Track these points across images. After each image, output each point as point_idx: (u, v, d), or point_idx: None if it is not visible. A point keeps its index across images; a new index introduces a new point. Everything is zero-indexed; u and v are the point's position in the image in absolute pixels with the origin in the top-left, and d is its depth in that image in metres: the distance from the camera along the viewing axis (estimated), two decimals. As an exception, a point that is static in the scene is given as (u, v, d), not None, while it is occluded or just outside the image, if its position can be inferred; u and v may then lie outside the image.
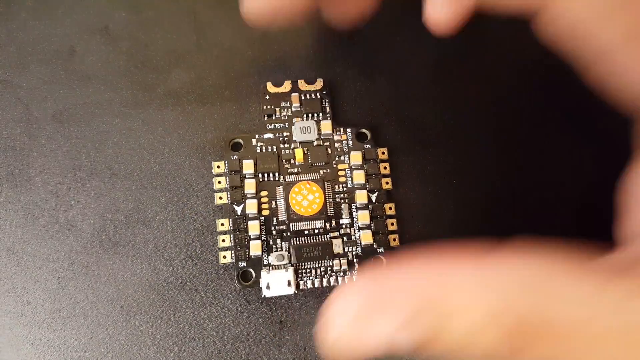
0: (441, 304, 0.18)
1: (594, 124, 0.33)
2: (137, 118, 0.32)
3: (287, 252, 0.30)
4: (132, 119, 0.32)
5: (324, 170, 0.31)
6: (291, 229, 0.30)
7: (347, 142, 0.32)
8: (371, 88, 0.34)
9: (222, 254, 0.30)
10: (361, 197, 0.31)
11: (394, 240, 0.30)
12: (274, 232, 0.30)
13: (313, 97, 0.33)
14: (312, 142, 0.32)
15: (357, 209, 0.31)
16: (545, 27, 0.26)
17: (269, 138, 0.32)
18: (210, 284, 0.30)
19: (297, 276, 0.30)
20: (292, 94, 0.33)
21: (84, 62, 0.33)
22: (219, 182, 0.31)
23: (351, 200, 0.31)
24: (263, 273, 0.29)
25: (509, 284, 0.19)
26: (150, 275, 0.30)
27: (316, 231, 0.30)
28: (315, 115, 0.32)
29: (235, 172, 0.31)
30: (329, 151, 0.32)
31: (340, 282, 0.30)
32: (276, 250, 0.30)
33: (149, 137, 0.32)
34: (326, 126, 0.32)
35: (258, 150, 0.31)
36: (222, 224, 0.30)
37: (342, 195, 0.31)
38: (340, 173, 0.31)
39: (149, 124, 0.32)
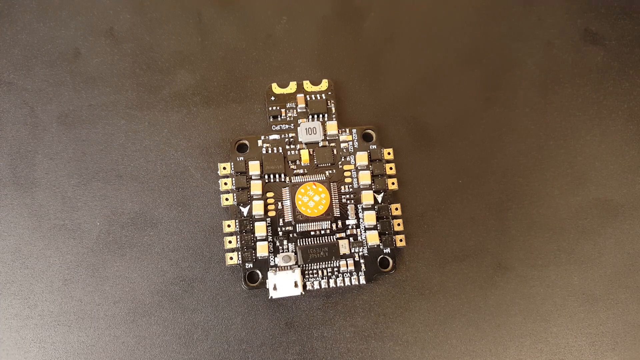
0: None
1: (595, 124, 0.33)
2: (142, 120, 0.32)
3: (293, 253, 0.30)
4: (137, 120, 0.32)
5: (330, 171, 0.31)
6: (297, 230, 0.30)
7: (353, 143, 0.32)
8: (376, 89, 0.34)
9: (228, 255, 0.30)
10: (367, 197, 0.31)
11: (400, 240, 0.30)
12: (280, 233, 0.30)
13: (318, 98, 0.33)
14: (317, 143, 0.32)
15: (363, 209, 0.31)
16: None
17: (274, 139, 0.32)
18: (217, 285, 0.30)
19: (304, 277, 0.30)
20: (298, 95, 0.33)
21: (89, 64, 0.33)
22: (225, 184, 0.31)
23: (357, 200, 0.31)
24: (270, 274, 0.29)
25: None
26: (156, 277, 0.30)
27: (322, 232, 0.30)
28: (321, 116, 0.32)
29: (241, 174, 0.31)
30: (335, 152, 0.32)
31: (347, 282, 0.30)
32: (283, 252, 0.30)
33: (154, 138, 0.32)
34: (332, 127, 0.32)
35: (264, 152, 0.31)
36: (229, 226, 0.30)
37: (348, 196, 0.31)
38: (346, 174, 0.31)
39: (155, 125, 0.32)
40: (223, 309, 0.30)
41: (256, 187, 0.30)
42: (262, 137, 0.32)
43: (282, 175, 0.31)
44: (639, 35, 0.35)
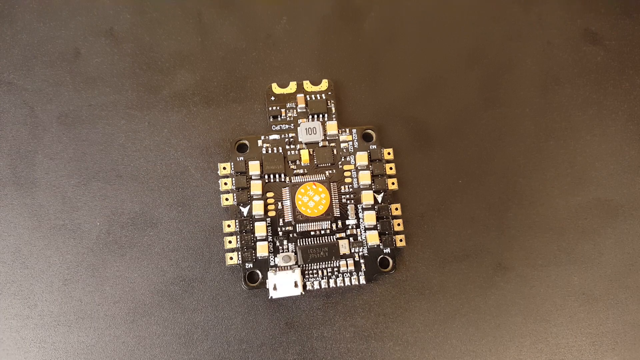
0: None
1: (595, 124, 0.33)
2: (142, 120, 0.32)
3: (293, 253, 0.30)
4: (137, 120, 0.32)
5: (330, 171, 0.31)
6: (297, 230, 0.30)
7: (353, 143, 0.32)
8: (376, 89, 0.34)
9: (228, 255, 0.30)
10: (367, 197, 0.31)
11: (400, 240, 0.30)
12: (280, 233, 0.30)
13: (318, 98, 0.33)
14: (317, 143, 0.32)
15: (363, 209, 0.31)
16: None
17: (274, 139, 0.32)
18: (217, 285, 0.30)
19: (304, 277, 0.30)
20: (298, 95, 0.33)
21: (89, 64, 0.33)
22: (225, 184, 0.31)
23: (357, 200, 0.31)
24: (270, 274, 0.29)
25: None
26: (156, 277, 0.30)
27: (322, 232, 0.30)
28: (321, 116, 0.32)
29: (241, 174, 0.31)
30: (335, 152, 0.32)
31: (347, 282, 0.30)
32: (283, 252, 0.30)
33: (154, 138, 0.32)
34: (332, 127, 0.32)
35: (264, 152, 0.31)
36: (229, 226, 0.30)
37: (348, 196, 0.31)
38: (346, 174, 0.31)
39: (155, 125, 0.32)
40: (223, 309, 0.30)
41: (256, 187, 0.30)
42: (262, 137, 0.32)
43: (282, 175, 0.31)
44: (639, 35, 0.35)
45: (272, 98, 0.33)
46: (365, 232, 0.30)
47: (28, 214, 0.31)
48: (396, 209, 0.31)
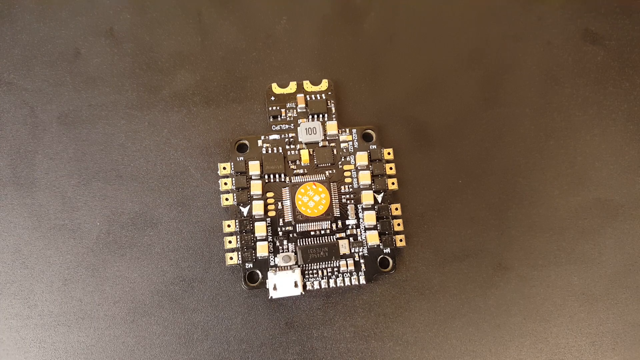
0: None
1: (595, 124, 0.33)
2: (142, 120, 0.32)
3: (293, 253, 0.30)
4: (137, 120, 0.32)
5: (330, 171, 0.31)
6: (297, 230, 0.30)
7: (353, 143, 0.32)
8: (376, 89, 0.34)
9: (228, 255, 0.30)
10: (367, 197, 0.31)
11: (400, 240, 0.30)
12: (280, 233, 0.30)
13: (318, 98, 0.33)
14: (317, 143, 0.32)
15: (363, 209, 0.31)
16: None
17: (274, 139, 0.32)
18: (217, 285, 0.30)
19: (304, 277, 0.30)
20: (298, 95, 0.33)
21: (89, 64, 0.33)
22: (225, 184, 0.31)
23: (357, 200, 0.31)
24: (270, 274, 0.29)
25: None
26: (156, 277, 0.30)
27: (322, 232, 0.30)
28: (321, 116, 0.32)
29: (241, 174, 0.31)
30: (335, 152, 0.32)
31: (347, 282, 0.30)
32: (283, 252, 0.30)
33: (154, 138, 0.32)
34: (332, 127, 0.32)
35: (264, 152, 0.31)
36: (229, 226, 0.30)
37: (348, 196, 0.31)
38: (346, 174, 0.31)
39: (155, 125, 0.32)
40: (223, 309, 0.30)
41: (256, 187, 0.30)
42: (262, 137, 0.32)
43: (282, 175, 0.31)
44: (639, 35, 0.35)
45: (272, 98, 0.33)
46: (365, 232, 0.30)
47: (28, 214, 0.31)
48: (396, 209, 0.31)
